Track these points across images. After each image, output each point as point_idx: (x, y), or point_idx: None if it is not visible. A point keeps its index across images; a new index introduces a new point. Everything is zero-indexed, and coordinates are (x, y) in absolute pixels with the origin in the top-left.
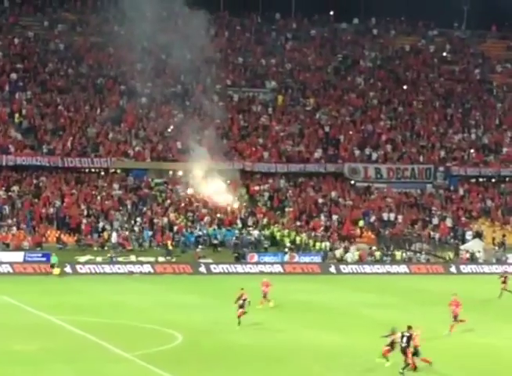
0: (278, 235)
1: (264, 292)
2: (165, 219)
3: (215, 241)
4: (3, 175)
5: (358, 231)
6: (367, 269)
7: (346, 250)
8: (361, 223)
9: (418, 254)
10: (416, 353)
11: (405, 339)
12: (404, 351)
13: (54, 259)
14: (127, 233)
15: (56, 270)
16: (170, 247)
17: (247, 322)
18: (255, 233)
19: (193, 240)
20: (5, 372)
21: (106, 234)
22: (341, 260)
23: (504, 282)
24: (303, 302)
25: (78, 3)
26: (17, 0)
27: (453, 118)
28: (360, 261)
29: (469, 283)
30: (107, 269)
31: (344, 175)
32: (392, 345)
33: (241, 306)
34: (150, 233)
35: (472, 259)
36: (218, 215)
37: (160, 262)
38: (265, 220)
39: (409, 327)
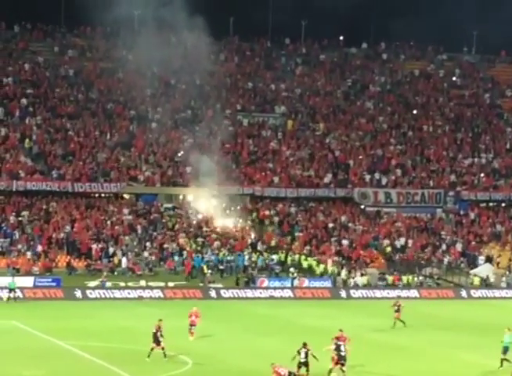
0: (289, 260)
1: (192, 323)
2: (175, 244)
3: (222, 266)
4: (13, 200)
5: (368, 256)
6: (377, 293)
7: (356, 274)
8: (370, 247)
9: (428, 279)
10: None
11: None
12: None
13: (12, 285)
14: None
15: (5, 296)
16: (206, 271)
17: (257, 348)
18: (264, 257)
19: (202, 265)
20: None
21: (116, 259)
22: (351, 285)
23: (398, 311)
24: (311, 327)
25: (88, 29)
26: (27, 26)
27: (463, 143)
28: (369, 285)
29: (480, 308)
30: (117, 294)
31: (353, 200)
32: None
33: (157, 340)
34: (178, 257)
35: (486, 284)
36: (228, 240)
37: (169, 287)
38: (275, 245)
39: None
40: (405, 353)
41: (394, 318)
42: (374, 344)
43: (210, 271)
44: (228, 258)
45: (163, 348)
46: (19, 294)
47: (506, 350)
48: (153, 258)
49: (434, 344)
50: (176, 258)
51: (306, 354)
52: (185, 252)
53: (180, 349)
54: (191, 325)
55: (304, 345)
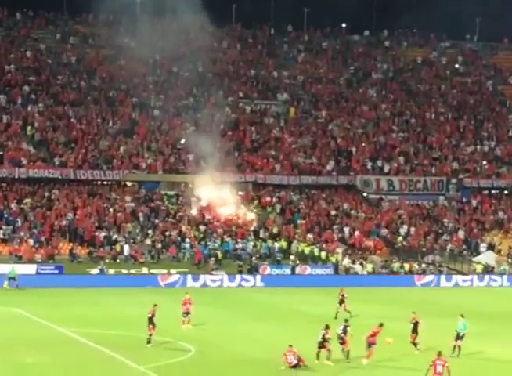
0: (292, 247)
1: (186, 310)
2: (176, 232)
3: (225, 254)
4: (15, 188)
5: (370, 243)
6: (380, 281)
7: (358, 262)
8: (373, 235)
9: (431, 267)
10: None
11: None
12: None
13: (12, 272)
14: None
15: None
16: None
17: (259, 335)
18: (267, 245)
19: (206, 253)
20: None
21: (118, 246)
22: (353, 272)
23: (342, 301)
24: (313, 314)
25: (90, 16)
26: (29, 13)
27: (466, 130)
28: (373, 273)
29: (481, 296)
30: (119, 281)
31: (356, 188)
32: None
33: (153, 323)
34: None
35: (487, 271)
36: (230, 228)
37: (172, 275)
38: (277, 232)
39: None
40: (405, 340)
41: (336, 309)
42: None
43: (213, 258)
44: (231, 245)
45: (150, 335)
46: (20, 281)
47: (458, 337)
48: (159, 245)
49: (437, 331)
50: (186, 245)
51: (323, 336)
52: (187, 240)
53: (182, 336)
54: (186, 313)
55: (327, 327)
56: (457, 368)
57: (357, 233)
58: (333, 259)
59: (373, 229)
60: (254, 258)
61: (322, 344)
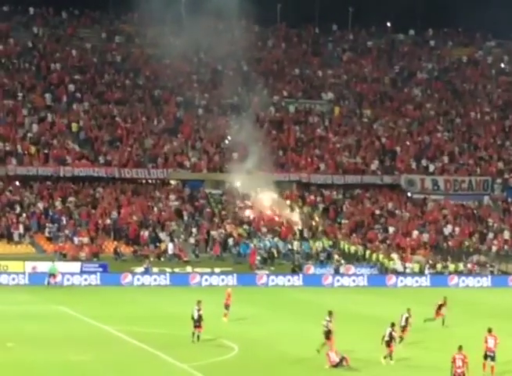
0: (337, 247)
1: (226, 303)
2: (221, 231)
3: (270, 253)
4: (60, 186)
5: (414, 243)
6: (424, 281)
7: (402, 262)
8: (417, 235)
9: (478, 267)
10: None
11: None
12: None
13: (53, 269)
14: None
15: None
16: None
17: (303, 334)
18: (311, 244)
19: (249, 252)
20: None
21: (162, 245)
22: (398, 272)
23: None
24: (358, 315)
25: (135, 15)
26: (75, 12)
27: (511, 130)
28: (418, 273)
29: None
30: (163, 279)
31: (400, 187)
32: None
33: (197, 319)
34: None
35: None
36: (275, 227)
37: (216, 273)
38: (321, 232)
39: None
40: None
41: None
42: (426, 332)
43: (259, 258)
44: (275, 245)
45: (199, 332)
46: (65, 279)
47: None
48: (203, 244)
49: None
50: (230, 244)
51: (390, 334)
52: (230, 239)
53: (226, 335)
54: (226, 306)
55: (392, 325)
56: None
57: (401, 232)
58: (377, 259)
59: (418, 229)
60: (297, 257)
61: (388, 343)
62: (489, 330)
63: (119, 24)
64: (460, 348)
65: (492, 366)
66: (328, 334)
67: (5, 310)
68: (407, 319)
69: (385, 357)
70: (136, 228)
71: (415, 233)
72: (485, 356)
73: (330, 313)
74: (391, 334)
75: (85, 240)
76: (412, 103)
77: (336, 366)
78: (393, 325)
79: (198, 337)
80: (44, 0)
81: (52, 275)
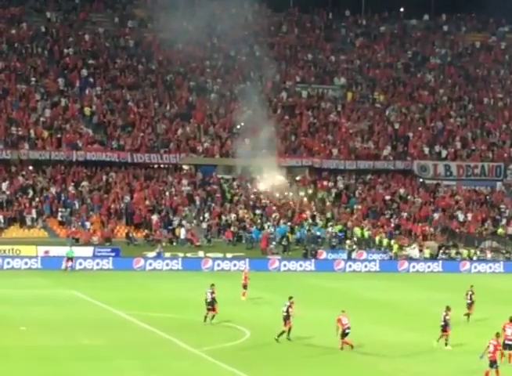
0: (348, 232)
1: (244, 284)
2: (233, 216)
3: (281, 238)
4: (73, 171)
5: (427, 228)
6: (436, 267)
7: (415, 247)
8: (430, 221)
9: (493, 253)
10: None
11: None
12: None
13: (70, 253)
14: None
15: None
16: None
17: (315, 319)
18: (323, 229)
19: (261, 237)
20: (72, 367)
21: (176, 230)
22: (409, 257)
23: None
24: (369, 299)
25: (148, 0)
26: None
27: None
28: (430, 259)
29: None
30: (175, 264)
31: (413, 173)
32: None
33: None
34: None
35: None
36: (287, 212)
37: (228, 258)
38: (333, 217)
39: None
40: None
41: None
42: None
43: (273, 243)
44: (287, 230)
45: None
46: (77, 263)
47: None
48: (215, 229)
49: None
50: (254, 230)
51: (444, 319)
52: (243, 224)
53: (238, 320)
54: (244, 286)
55: (447, 308)
56: None
57: (413, 218)
58: (389, 244)
59: (430, 215)
60: (309, 242)
61: (444, 327)
62: (511, 319)
63: (132, 9)
64: (498, 334)
65: (509, 355)
66: (286, 319)
67: (17, 294)
68: (471, 296)
69: (438, 340)
70: (148, 213)
71: (427, 218)
72: (504, 346)
73: (290, 298)
74: (445, 319)
75: (97, 224)
76: (425, 88)
77: (344, 334)
78: (448, 309)
79: (212, 317)
80: None
81: (70, 258)
